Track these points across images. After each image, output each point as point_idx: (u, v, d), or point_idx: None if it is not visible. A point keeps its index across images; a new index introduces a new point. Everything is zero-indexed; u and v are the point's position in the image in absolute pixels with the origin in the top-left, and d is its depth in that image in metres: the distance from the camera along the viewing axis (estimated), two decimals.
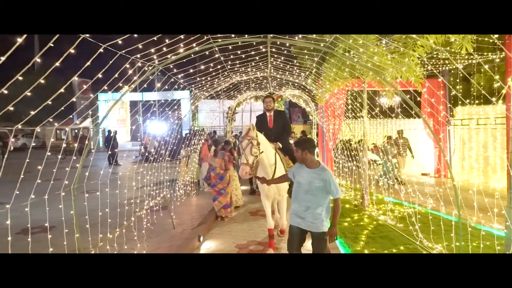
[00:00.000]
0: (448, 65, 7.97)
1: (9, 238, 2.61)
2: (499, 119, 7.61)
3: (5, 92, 2.20)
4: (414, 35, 3.36)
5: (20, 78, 2.26)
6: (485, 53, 6.83)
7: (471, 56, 6.92)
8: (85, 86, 23.58)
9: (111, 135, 14.43)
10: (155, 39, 2.49)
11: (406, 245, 4.22)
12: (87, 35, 2.28)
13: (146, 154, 9.08)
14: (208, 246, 4.62)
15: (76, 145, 11.84)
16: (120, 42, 2.38)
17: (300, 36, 3.94)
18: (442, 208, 5.01)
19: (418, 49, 3.70)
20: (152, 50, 2.93)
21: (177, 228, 5.20)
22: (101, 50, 2.40)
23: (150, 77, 3.04)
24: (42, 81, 2.45)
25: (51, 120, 2.96)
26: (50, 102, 2.53)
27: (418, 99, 5.41)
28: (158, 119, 15.19)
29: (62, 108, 2.78)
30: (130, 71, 2.93)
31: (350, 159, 7.59)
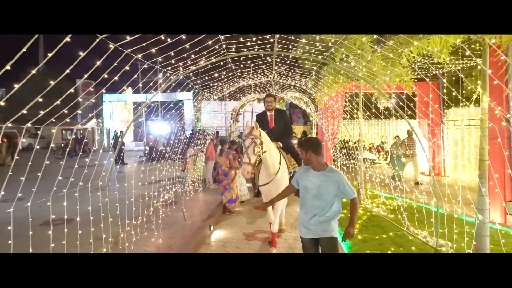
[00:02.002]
0: (441, 69, 8.48)
1: (65, 217, 3.06)
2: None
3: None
4: (391, 55, 3.87)
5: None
6: (474, 59, 7.32)
7: (461, 62, 7.45)
8: (90, 88, 23.95)
9: (118, 135, 14.98)
10: (185, 55, 2.95)
11: (395, 232, 4.75)
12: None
13: (148, 152, 9.41)
14: (218, 235, 5.11)
15: (79, 145, 12.29)
16: (160, 59, 2.85)
17: (301, 50, 4.44)
18: (425, 199, 5.57)
19: (402, 60, 4.22)
20: (181, 64, 3.40)
21: (187, 221, 5.69)
22: (144, 66, 2.86)
23: (173, 84, 3.53)
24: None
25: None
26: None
27: (401, 103, 5.91)
28: (161, 119, 15.68)
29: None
30: (160, 80, 3.40)
31: (348, 157, 8.09)
